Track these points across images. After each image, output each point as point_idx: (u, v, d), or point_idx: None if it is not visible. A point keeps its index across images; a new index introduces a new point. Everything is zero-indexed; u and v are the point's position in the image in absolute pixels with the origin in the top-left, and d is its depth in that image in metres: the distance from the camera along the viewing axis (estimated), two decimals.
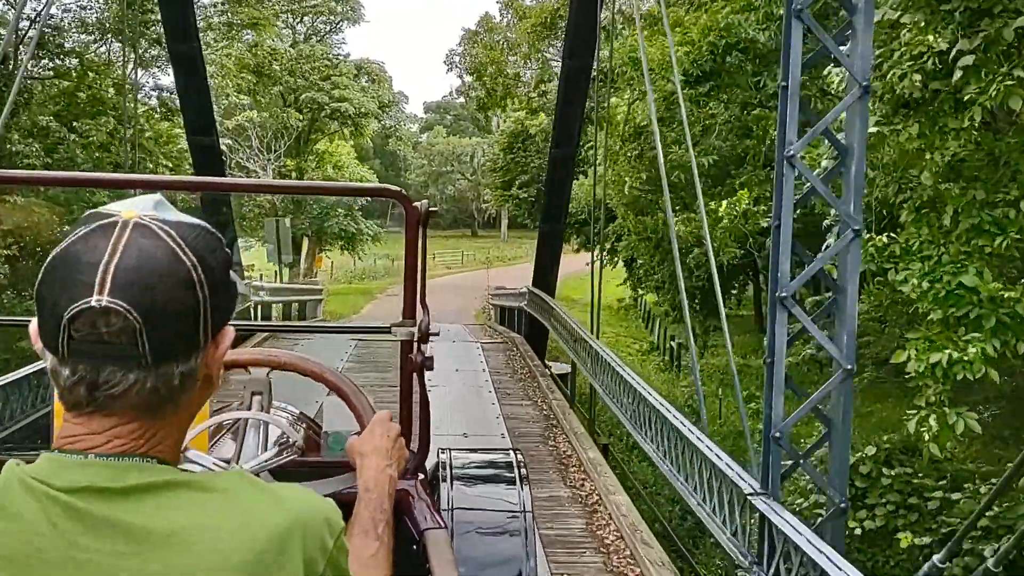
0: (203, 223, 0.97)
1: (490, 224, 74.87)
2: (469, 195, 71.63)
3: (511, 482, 2.45)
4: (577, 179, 37.76)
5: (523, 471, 2.49)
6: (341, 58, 35.21)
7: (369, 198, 38.96)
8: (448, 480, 2.38)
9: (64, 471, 0.91)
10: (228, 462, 1.78)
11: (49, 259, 0.92)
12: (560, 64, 20.08)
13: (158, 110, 18.20)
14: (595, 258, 13.76)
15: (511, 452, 2.66)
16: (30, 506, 0.89)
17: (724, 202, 19.09)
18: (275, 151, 34.44)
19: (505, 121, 54.80)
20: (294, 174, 36.70)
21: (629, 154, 19.44)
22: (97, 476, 0.90)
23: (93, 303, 0.88)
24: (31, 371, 7.21)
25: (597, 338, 11.21)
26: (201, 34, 24.11)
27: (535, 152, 41.43)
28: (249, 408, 1.93)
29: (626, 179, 19.17)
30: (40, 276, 0.92)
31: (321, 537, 0.98)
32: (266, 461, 1.81)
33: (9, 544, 0.88)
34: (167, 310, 0.90)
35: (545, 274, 15.09)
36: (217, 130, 12.99)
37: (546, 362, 16.00)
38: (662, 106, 16.78)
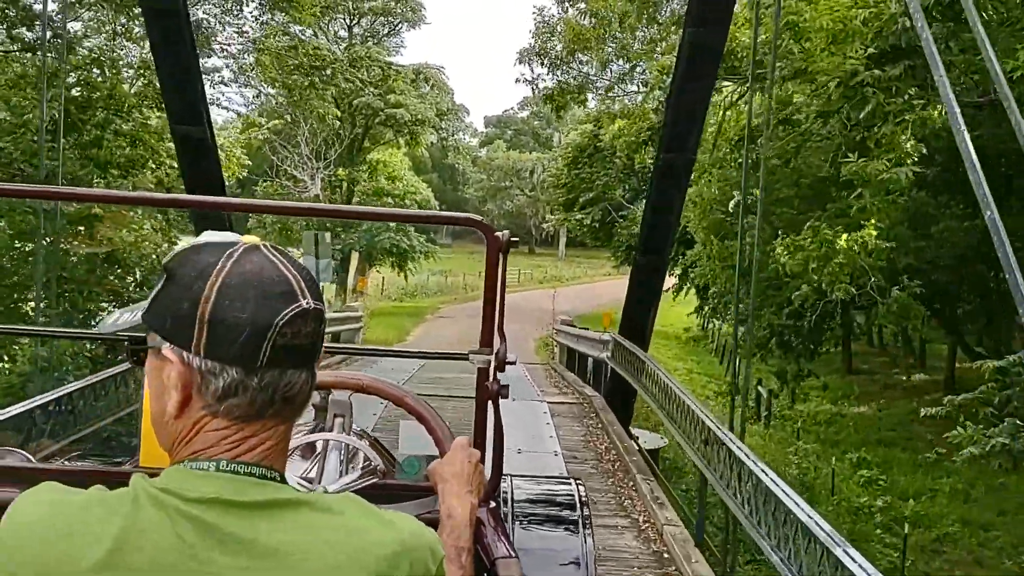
0: None
1: (547, 242, 70.91)
2: (527, 211, 67.82)
3: (572, 526, 2.25)
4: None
5: (586, 511, 2.29)
6: (395, 66, 31.47)
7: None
8: (509, 518, 2.21)
9: (192, 482, 0.92)
10: (310, 482, 1.75)
11: (216, 284, 0.93)
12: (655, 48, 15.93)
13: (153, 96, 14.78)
14: (736, 319, 9.64)
15: (572, 483, 2.46)
16: (157, 519, 0.89)
17: (845, 235, 15.23)
18: (325, 159, 30.96)
19: (568, 134, 50.96)
20: (345, 184, 33.21)
21: (737, 162, 15.35)
22: (223, 489, 0.91)
23: (305, 305, 0.94)
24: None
25: (742, 439, 7.11)
26: (236, 19, 20.91)
27: (602, 168, 37.41)
28: (331, 430, 1.89)
29: (734, 194, 15.13)
30: (211, 300, 0.92)
31: (425, 563, 0.99)
32: (349, 483, 1.75)
33: (137, 558, 0.88)
34: (325, 312, 0.98)
35: (639, 321, 11.01)
36: (211, 118, 9.26)
37: (631, 430, 11.92)
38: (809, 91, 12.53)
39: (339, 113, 29.12)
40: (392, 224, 30.93)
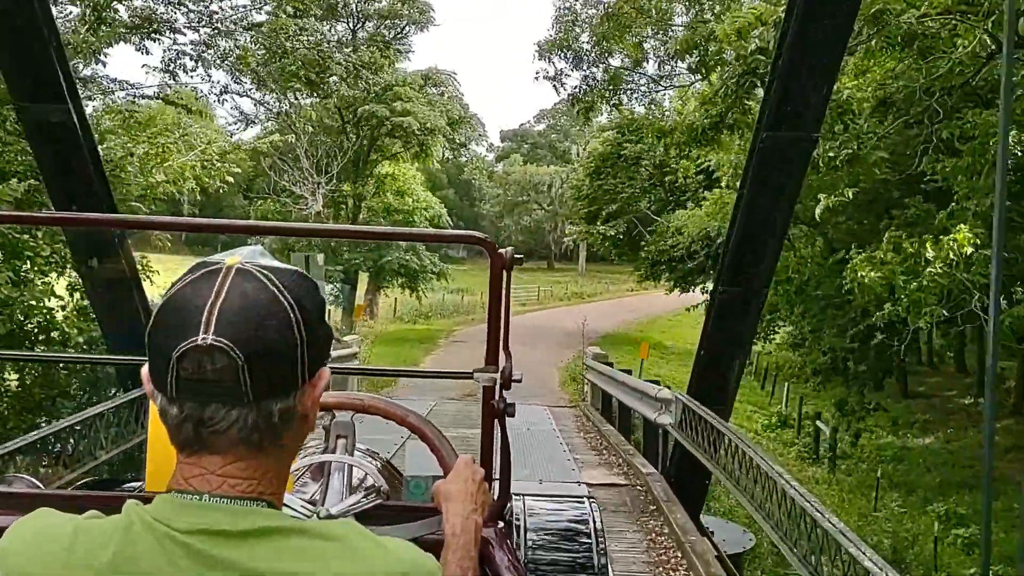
0: (299, 269, 0.97)
1: (567, 257, 67.32)
2: (546, 226, 64.33)
3: (587, 549, 2.19)
4: (683, 208, 29.96)
5: (601, 537, 2.21)
6: (391, 47, 27.69)
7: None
8: (521, 538, 2.19)
9: (183, 512, 0.90)
10: (314, 504, 1.62)
11: (159, 305, 0.93)
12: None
13: None
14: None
15: (586, 502, 2.34)
16: (151, 546, 0.88)
17: (930, 243, 11.92)
18: (327, 173, 27.61)
19: (586, 146, 47.46)
20: (351, 201, 29.86)
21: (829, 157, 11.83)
22: (214, 519, 0.89)
23: (199, 342, 0.88)
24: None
25: None
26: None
27: (626, 178, 33.85)
28: (334, 451, 1.81)
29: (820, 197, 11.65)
30: (151, 321, 0.92)
31: None
32: (352, 505, 1.65)
33: None
34: (267, 348, 0.90)
35: (718, 377, 7.40)
36: (77, 95, 5.88)
37: (702, 521, 8.33)
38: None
39: (312, 114, 25.62)
40: (401, 243, 27.47)
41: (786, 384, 24.27)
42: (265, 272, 0.92)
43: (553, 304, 45.97)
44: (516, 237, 60.86)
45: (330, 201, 28.29)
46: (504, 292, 1.59)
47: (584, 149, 51.28)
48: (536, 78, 17.24)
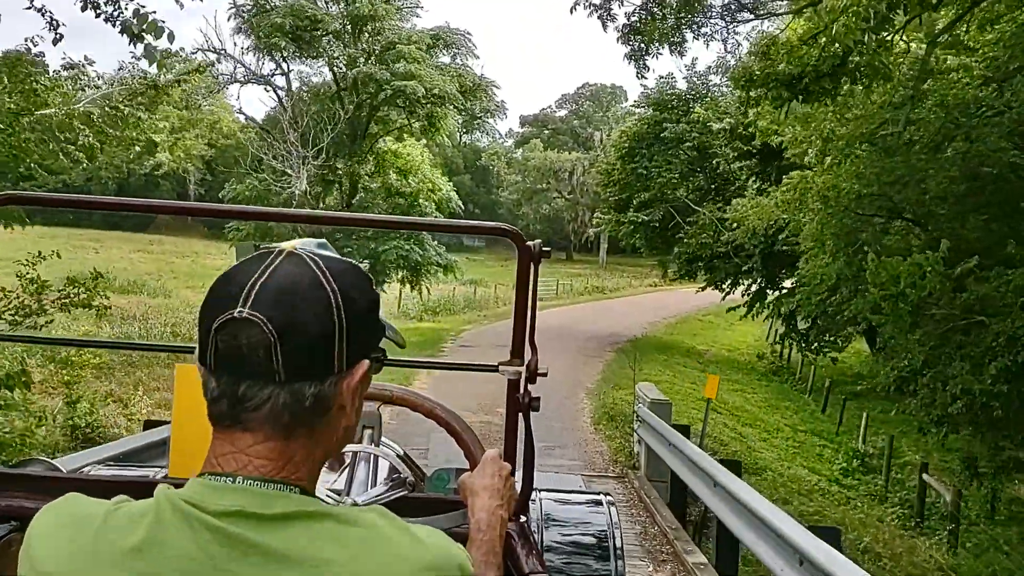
0: (354, 262, 0.97)
1: (587, 248, 61.95)
2: (565, 215, 58.98)
3: (603, 546, 2.10)
4: (738, 196, 24.54)
5: (616, 532, 2.12)
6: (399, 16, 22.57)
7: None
8: (539, 533, 2.12)
9: (214, 494, 0.87)
10: (339, 494, 1.62)
11: (214, 281, 0.93)
12: None
13: None
14: None
15: (603, 501, 2.26)
16: (181, 530, 0.86)
17: None
18: (315, 146, 22.44)
19: (612, 132, 42.13)
20: (345, 181, 24.66)
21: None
22: (246, 501, 0.87)
23: (235, 314, 0.88)
24: None
25: None
26: None
27: (664, 162, 28.48)
28: (359, 441, 1.77)
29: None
30: (205, 296, 0.93)
31: None
32: (378, 496, 1.60)
33: (160, 568, 0.85)
34: (301, 328, 0.88)
35: None
36: None
37: None
38: None
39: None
40: (401, 231, 22.29)
41: (864, 415, 18.84)
42: (314, 258, 0.91)
43: (573, 300, 40.69)
44: (535, 226, 55.61)
45: (319, 179, 23.09)
46: (532, 285, 1.55)
47: (608, 135, 45.97)
48: (574, 8, 11.86)
